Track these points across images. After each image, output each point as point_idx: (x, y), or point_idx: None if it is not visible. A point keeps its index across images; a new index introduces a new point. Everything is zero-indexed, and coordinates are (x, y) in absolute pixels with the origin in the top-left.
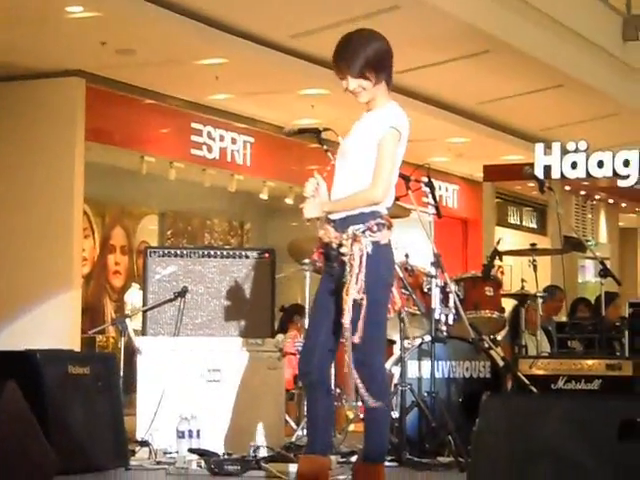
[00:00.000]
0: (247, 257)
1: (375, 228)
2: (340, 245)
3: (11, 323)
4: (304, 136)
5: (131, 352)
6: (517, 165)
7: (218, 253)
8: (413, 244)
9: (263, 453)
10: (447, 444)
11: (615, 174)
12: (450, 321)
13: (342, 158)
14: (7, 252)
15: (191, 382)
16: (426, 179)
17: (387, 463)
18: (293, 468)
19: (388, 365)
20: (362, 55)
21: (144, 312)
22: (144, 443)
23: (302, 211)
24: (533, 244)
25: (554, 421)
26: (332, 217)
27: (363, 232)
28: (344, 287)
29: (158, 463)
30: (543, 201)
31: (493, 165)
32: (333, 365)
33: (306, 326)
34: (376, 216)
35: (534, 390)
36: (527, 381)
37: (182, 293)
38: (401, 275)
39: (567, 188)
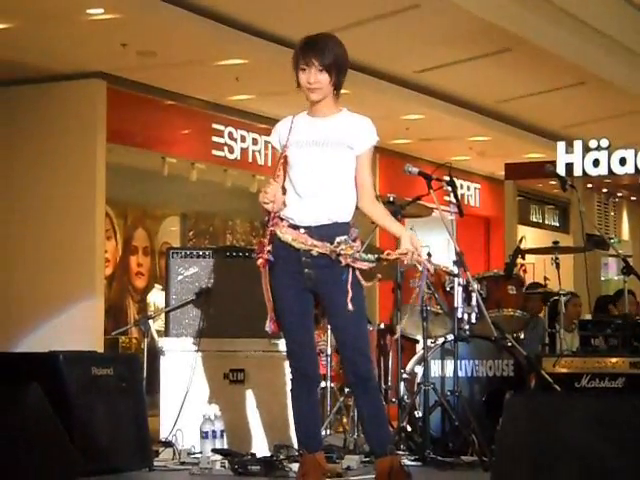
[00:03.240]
0: None
1: (357, 239)
2: (323, 254)
3: (34, 325)
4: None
5: (154, 353)
6: (539, 163)
7: (240, 254)
8: (435, 243)
9: (287, 453)
10: (470, 443)
11: (637, 171)
12: (473, 320)
13: (308, 161)
14: (30, 254)
15: (214, 383)
16: (448, 178)
17: (410, 462)
18: None
19: (411, 364)
20: (335, 53)
21: (167, 313)
22: (168, 444)
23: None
24: (555, 242)
25: (578, 420)
26: (303, 224)
27: (353, 240)
28: (327, 293)
29: (182, 464)
30: (565, 199)
31: (515, 163)
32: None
33: (287, 327)
34: (352, 227)
35: (558, 388)
36: (551, 379)
37: (204, 294)
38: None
39: (589, 186)
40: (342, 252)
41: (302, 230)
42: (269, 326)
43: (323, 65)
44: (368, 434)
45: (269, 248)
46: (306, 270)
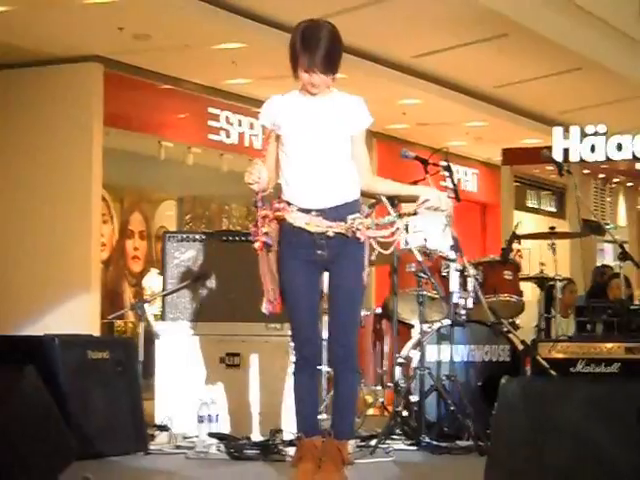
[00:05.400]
0: None
1: (369, 215)
2: (339, 233)
3: (31, 309)
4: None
5: (150, 337)
6: (536, 149)
7: (236, 238)
8: (432, 228)
9: (283, 437)
10: (466, 428)
11: (634, 157)
12: (469, 305)
13: (309, 141)
14: (26, 238)
15: (210, 367)
16: (444, 163)
17: (407, 447)
18: None
19: (407, 349)
20: (334, 52)
21: (163, 297)
22: (163, 427)
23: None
24: (552, 227)
25: (573, 404)
26: (314, 207)
27: (366, 217)
28: (339, 268)
29: (177, 447)
30: (562, 184)
31: (512, 149)
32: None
33: (295, 311)
34: (361, 204)
35: (553, 373)
36: (546, 364)
37: (201, 278)
38: (420, 259)
39: (586, 171)
40: (360, 227)
41: (314, 213)
42: (266, 307)
43: (327, 70)
44: (334, 413)
45: (265, 230)
46: (319, 252)
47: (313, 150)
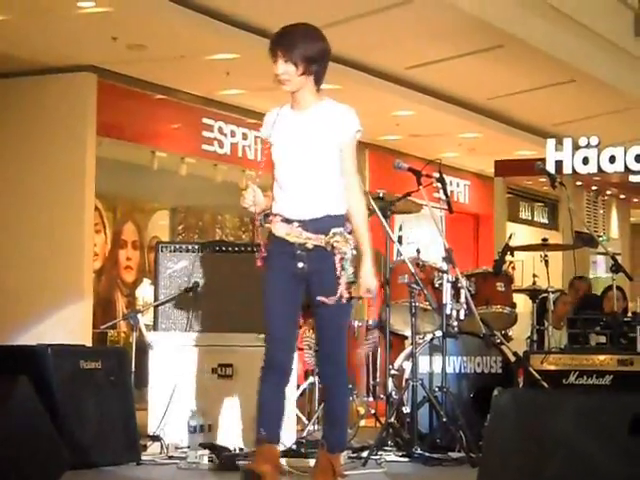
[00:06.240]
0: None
1: (352, 232)
2: (318, 246)
3: (23, 318)
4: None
5: (143, 347)
6: (529, 160)
7: (229, 248)
8: (424, 239)
9: None
10: (458, 439)
11: (627, 169)
12: (461, 316)
13: (294, 153)
14: (18, 247)
15: (203, 377)
16: (437, 174)
17: (399, 458)
18: (305, 463)
19: (399, 360)
20: (300, 44)
21: (155, 307)
22: (155, 438)
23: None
24: (544, 239)
25: (565, 416)
26: (296, 217)
27: (349, 233)
28: (319, 281)
29: (169, 458)
30: (554, 196)
31: (504, 160)
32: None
33: (272, 316)
34: (346, 219)
35: (545, 385)
36: (538, 376)
37: (193, 288)
38: (412, 270)
39: (578, 183)
40: (336, 245)
41: (296, 224)
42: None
43: (287, 57)
44: (326, 426)
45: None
46: (300, 264)
47: (298, 162)
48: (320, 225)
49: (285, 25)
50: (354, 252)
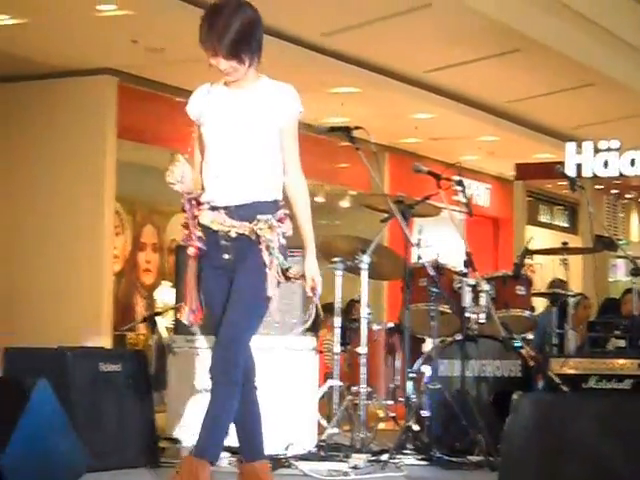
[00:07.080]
0: None
1: (284, 219)
2: (242, 235)
3: (43, 320)
4: (335, 134)
5: (162, 349)
6: (548, 164)
7: None
8: (444, 243)
9: (295, 451)
10: (477, 443)
11: None
12: (481, 320)
13: (224, 134)
14: (39, 250)
15: None
16: (457, 177)
17: (418, 461)
18: (324, 467)
19: (418, 364)
20: (233, 31)
21: (175, 310)
22: (174, 440)
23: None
24: (564, 243)
25: (585, 420)
26: (222, 204)
27: (279, 221)
28: (238, 275)
29: None
30: (574, 200)
31: (525, 163)
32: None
33: (217, 322)
34: (279, 206)
35: (565, 389)
36: (558, 380)
37: None
38: (432, 274)
39: (598, 187)
40: (259, 232)
41: (222, 211)
42: (187, 317)
43: (230, 55)
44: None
45: (199, 234)
46: (225, 256)
47: (232, 143)
48: (247, 212)
49: (211, 5)
50: (283, 241)
